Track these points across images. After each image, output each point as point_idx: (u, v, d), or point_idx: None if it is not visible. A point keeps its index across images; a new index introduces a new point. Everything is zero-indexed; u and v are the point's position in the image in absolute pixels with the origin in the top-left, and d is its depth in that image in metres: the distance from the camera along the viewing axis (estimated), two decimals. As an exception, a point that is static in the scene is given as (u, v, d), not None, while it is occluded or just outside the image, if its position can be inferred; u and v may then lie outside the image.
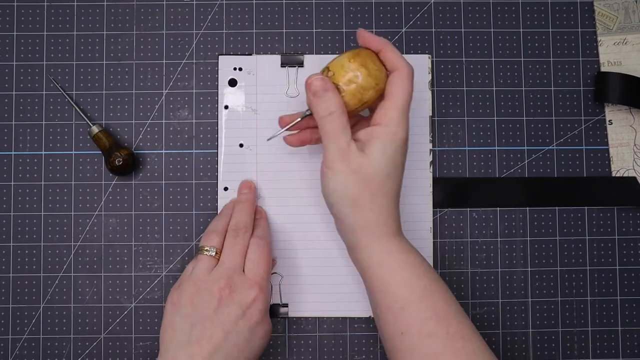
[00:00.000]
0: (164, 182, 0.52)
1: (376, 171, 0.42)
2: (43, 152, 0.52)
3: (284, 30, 0.53)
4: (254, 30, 0.53)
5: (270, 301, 0.46)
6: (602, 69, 0.53)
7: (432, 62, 0.53)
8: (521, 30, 0.53)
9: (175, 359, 0.42)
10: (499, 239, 0.52)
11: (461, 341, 0.41)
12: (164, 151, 0.52)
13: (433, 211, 0.52)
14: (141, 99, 0.52)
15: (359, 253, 0.43)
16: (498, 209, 0.52)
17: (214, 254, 0.45)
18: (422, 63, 0.52)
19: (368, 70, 0.42)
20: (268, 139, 0.47)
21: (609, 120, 0.53)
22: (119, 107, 0.52)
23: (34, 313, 0.51)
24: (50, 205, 0.52)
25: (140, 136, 0.52)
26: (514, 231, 0.52)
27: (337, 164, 0.42)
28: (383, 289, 0.42)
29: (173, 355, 0.42)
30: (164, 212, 0.52)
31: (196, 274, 0.44)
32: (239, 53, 0.53)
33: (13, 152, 0.52)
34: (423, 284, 0.42)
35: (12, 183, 0.52)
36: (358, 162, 0.42)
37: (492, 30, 0.53)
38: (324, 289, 0.51)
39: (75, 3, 0.53)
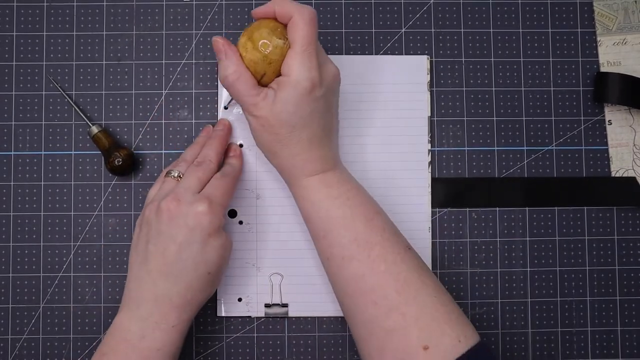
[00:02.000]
0: (163, 182, 0.52)
1: (280, 124, 0.43)
2: (43, 152, 0.52)
3: (284, 31, 0.53)
4: (254, 31, 0.53)
5: (223, 220, 0.45)
6: (602, 69, 0.53)
7: (431, 62, 0.53)
8: (520, 30, 0.53)
9: (137, 276, 0.44)
10: (498, 239, 0.52)
11: (384, 265, 0.42)
12: (163, 151, 0.52)
13: (432, 211, 0.52)
14: (141, 99, 0.52)
15: (290, 189, 0.47)
16: (497, 209, 0.52)
17: (175, 175, 0.47)
18: (420, 64, 0.52)
19: (254, 42, 0.43)
20: (225, 107, 0.51)
21: (609, 121, 0.53)
22: (118, 107, 0.52)
23: (33, 313, 0.51)
24: (49, 205, 0.52)
25: (140, 136, 0.52)
26: (513, 231, 0.52)
27: (249, 118, 0.45)
28: (308, 219, 0.46)
29: (136, 274, 0.44)
30: (163, 212, 0.52)
31: (158, 196, 0.46)
32: (239, 53, 0.53)
33: (13, 152, 0.52)
34: (342, 213, 0.44)
35: (12, 183, 0.52)
36: (263, 115, 0.43)
37: (491, 30, 0.53)
38: (323, 289, 0.51)
39: (75, 3, 0.53)
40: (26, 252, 0.51)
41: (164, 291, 0.43)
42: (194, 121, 0.52)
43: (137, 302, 0.43)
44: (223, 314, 0.51)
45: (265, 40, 0.43)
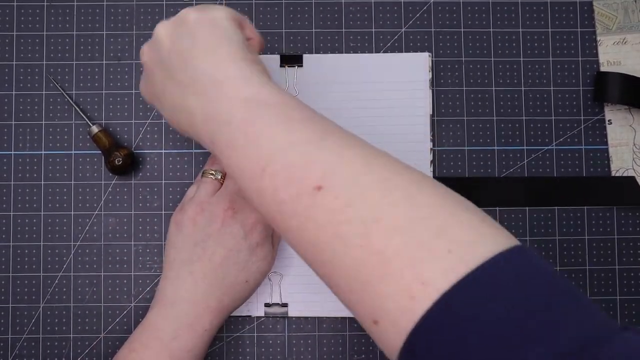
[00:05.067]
0: (163, 181, 0.52)
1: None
2: (43, 152, 0.52)
3: (284, 30, 0.53)
4: (254, 30, 0.53)
5: (271, 228, 0.47)
6: (602, 69, 0.53)
7: (432, 61, 0.53)
8: (520, 30, 0.53)
9: (177, 276, 0.44)
10: (498, 239, 0.52)
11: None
12: (163, 151, 0.52)
13: (432, 211, 0.52)
14: (141, 98, 0.52)
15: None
16: (497, 208, 0.52)
17: (219, 177, 0.46)
18: (421, 61, 0.52)
19: None
20: None
21: (609, 120, 0.53)
22: (118, 106, 0.52)
23: (33, 313, 0.51)
24: (50, 205, 0.52)
25: (140, 136, 0.52)
26: (513, 231, 0.52)
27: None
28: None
29: (176, 273, 0.44)
30: (163, 212, 0.52)
31: (200, 196, 0.45)
32: (239, 53, 0.53)
33: (13, 152, 0.52)
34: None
35: (12, 183, 0.52)
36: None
37: (491, 30, 0.53)
38: (323, 288, 0.50)
39: (75, 3, 0.53)
40: (26, 251, 0.51)
41: (203, 294, 0.43)
42: (194, 121, 0.52)
43: (173, 302, 0.43)
44: (223, 314, 0.51)
45: None
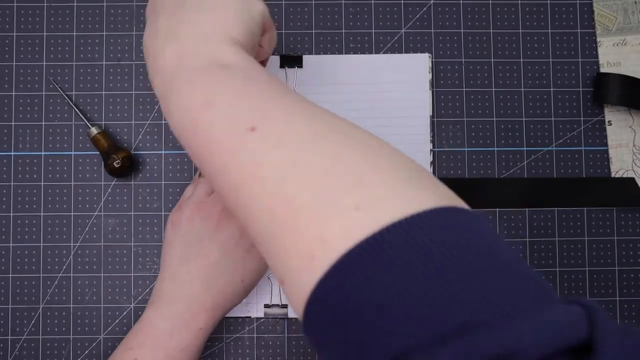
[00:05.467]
0: (163, 182, 0.52)
1: None
2: (43, 153, 0.52)
3: (283, 31, 0.53)
4: (254, 31, 0.53)
5: None
6: (602, 70, 0.53)
7: (431, 62, 0.52)
8: (520, 30, 0.53)
9: (174, 275, 0.44)
10: (498, 240, 0.52)
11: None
12: (163, 152, 0.52)
13: (432, 212, 0.52)
14: (141, 99, 0.52)
15: None
16: (497, 209, 0.52)
17: None
18: (421, 62, 0.52)
19: None
20: None
21: (608, 121, 0.53)
22: (118, 107, 0.52)
23: (33, 313, 0.51)
24: (49, 206, 0.52)
25: (140, 137, 0.52)
26: (513, 232, 0.52)
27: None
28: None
29: (172, 272, 0.44)
30: (163, 213, 0.52)
31: (197, 196, 0.46)
32: (239, 54, 0.53)
33: (13, 153, 0.52)
34: None
35: (12, 183, 0.52)
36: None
37: (491, 31, 0.53)
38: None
39: (74, 4, 0.53)
40: (26, 252, 0.51)
41: (199, 292, 0.43)
42: (193, 122, 0.52)
43: (169, 300, 0.43)
44: (223, 315, 0.51)
45: None
